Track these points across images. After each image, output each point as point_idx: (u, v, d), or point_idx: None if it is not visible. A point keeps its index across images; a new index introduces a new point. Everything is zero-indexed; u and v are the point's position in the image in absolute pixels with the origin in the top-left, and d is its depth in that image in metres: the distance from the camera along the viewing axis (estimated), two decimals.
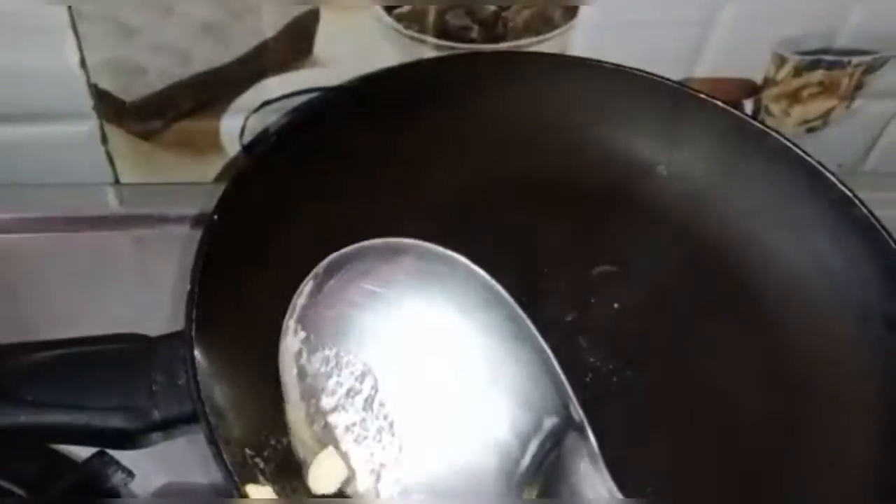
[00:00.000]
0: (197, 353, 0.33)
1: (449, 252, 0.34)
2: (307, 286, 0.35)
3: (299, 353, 0.35)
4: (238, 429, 0.33)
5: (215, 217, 0.36)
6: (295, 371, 0.35)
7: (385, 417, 0.34)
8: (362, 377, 0.35)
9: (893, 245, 0.40)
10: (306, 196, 0.40)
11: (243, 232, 0.37)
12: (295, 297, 0.35)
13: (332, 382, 0.35)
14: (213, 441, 0.31)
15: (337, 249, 0.34)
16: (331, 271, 0.35)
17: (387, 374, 0.34)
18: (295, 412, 0.35)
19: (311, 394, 0.35)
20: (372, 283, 0.35)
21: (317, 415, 0.34)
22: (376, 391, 0.34)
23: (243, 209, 0.37)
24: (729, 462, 0.38)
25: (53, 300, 0.44)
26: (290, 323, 0.35)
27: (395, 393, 0.34)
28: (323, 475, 0.33)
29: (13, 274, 0.46)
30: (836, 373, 0.40)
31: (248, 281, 0.37)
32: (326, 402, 0.34)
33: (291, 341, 0.35)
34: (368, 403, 0.34)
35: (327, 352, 0.35)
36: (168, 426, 0.33)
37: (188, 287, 0.34)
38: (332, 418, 0.34)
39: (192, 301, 0.33)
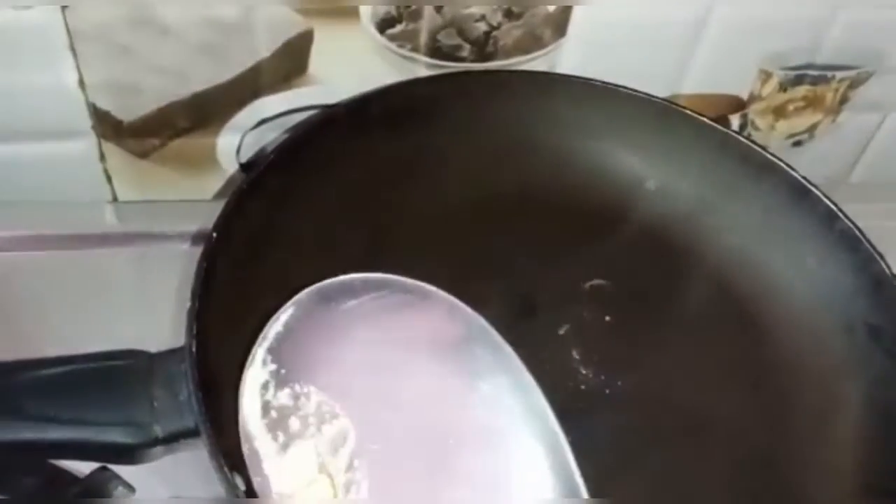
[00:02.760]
0: (198, 368, 0.33)
1: (431, 287, 0.34)
2: (284, 315, 0.34)
3: (265, 386, 0.34)
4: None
5: (214, 235, 0.36)
6: (259, 405, 0.33)
7: (352, 469, 0.32)
8: (337, 428, 0.33)
9: (877, 257, 0.41)
10: (304, 213, 0.40)
11: (242, 249, 0.37)
12: (268, 325, 0.34)
13: (298, 420, 0.33)
14: (214, 455, 0.31)
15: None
16: (311, 304, 0.34)
17: (363, 425, 0.32)
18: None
19: (274, 427, 0.33)
20: (354, 322, 0.34)
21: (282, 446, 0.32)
22: (348, 442, 0.33)
23: (242, 226, 0.38)
24: (718, 471, 0.39)
25: (53, 318, 0.44)
26: (258, 351, 0.34)
27: (368, 448, 0.32)
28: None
29: (12, 291, 0.46)
30: (822, 381, 0.41)
31: (246, 297, 0.37)
32: (292, 435, 0.33)
33: (259, 372, 0.34)
34: (337, 451, 0.33)
35: (298, 388, 0.33)
36: (169, 441, 0.33)
37: (188, 303, 0.34)
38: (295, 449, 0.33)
39: (193, 317, 0.34)
